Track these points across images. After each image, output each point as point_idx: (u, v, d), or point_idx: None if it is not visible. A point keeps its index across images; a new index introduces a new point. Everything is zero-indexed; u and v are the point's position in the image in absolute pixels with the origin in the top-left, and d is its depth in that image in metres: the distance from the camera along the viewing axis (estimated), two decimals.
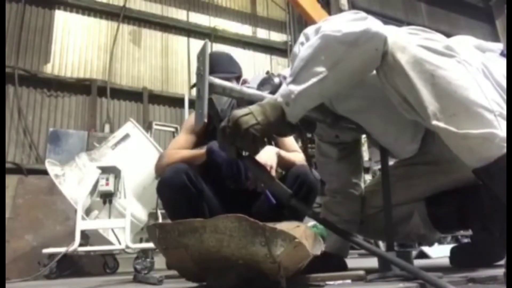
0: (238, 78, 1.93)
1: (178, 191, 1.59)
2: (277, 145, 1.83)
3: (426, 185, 1.48)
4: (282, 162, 1.70)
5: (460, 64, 1.05)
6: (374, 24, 1.10)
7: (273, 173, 1.61)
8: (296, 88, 1.09)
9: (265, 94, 1.43)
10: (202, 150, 1.68)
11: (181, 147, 1.84)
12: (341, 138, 1.58)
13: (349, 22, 1.10)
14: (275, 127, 1.13)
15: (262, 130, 1.09)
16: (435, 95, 1.02)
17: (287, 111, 1.11)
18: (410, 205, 1.50)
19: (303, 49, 1.14)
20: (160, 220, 3.58)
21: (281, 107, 1.11)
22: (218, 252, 0.91)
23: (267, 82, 1.42)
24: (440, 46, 1.07)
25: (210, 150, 1.64)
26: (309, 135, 1.71)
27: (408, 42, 1.09)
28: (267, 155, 1.61)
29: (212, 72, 1.74)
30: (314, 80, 1.07)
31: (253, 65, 6.79)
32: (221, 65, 1.93)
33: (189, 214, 1.24)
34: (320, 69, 1.07)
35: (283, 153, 1.73)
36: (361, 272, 1.16)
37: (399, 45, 1.09)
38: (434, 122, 1.02)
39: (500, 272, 1.00)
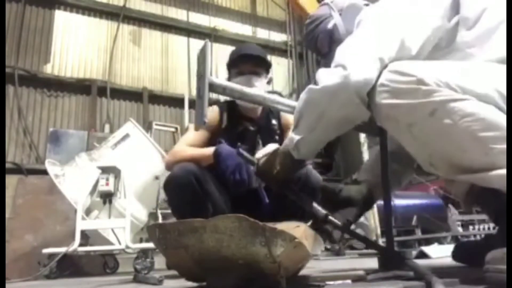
0: (267, 70, 1.96)
1: (183, 189, 1.60)
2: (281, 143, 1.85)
3: None
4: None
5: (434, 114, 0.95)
6: (355, 71, 1.05)
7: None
8: (295, 137, 1.22)
9: (266, 94, 1.43)
10: (210, 151, 1.67)
11: (192, 143, 1.82)
12: None
13: (330, 71, 1.12)
14: (291, 169, 1.32)
15: (282, 176, 1.31)
16: (416, 147, 1.04)
17: (294, 154, 1.25)
18: None
19: (299, 100, 1.24)
20: (160, 220, 3.58)
21: (292, 156, 1.26)
22: (218, 252, 0.91)
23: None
24: (406, 85, 0.99)
25: (217, 153, 1.63)
26: None
27: (379, 97, 1.03)
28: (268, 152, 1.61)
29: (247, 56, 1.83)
30: (306, 131, 1.19)
31: None
32: (255, 49, 1.99)
33: (193, 213, 1.25)
34: (310, 120, 1.18)
35: None
36: (361, 272, 1.16)
37: (372, 99, 1.05)
38: (428, 169, 1.04)
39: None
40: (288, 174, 1.32)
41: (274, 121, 1.97)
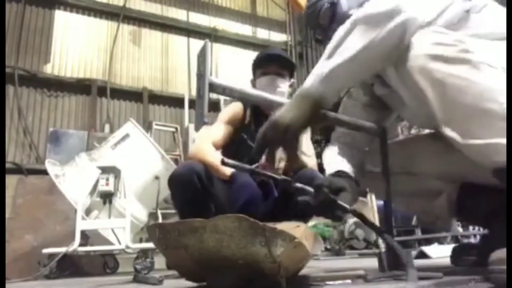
0: (292, 73, 1.98)
1: (185, 187, 1.62)
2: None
3: (467, 168, 1.28)
4: (294, 161, 1.71)
5: (474, 69, 0.98)
6: (408, 4, 1.03)
7: (281, 165, 1.62)
8: (329, 65, 1.06)
9: (266, 94, 1.43)
10: (227, 171, 1.67)
11: (217, 139, 1.84)
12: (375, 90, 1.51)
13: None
14: (310, 120, 1.11)
15: (300, 125, 1.09)
16: (443, 104, 1.00)
17: (315, 90, 1.08)
18: (442, 183, 1.39)
19: (337, 31, 1.11)
20: (160, 220, 3.58)
21: (313, 96, 1.08)
22: (218, 252, 0.91)
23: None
24: (454, 52, 1.01)
25: (233, 179, 1.65)
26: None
27: (420, 47, 1.03)
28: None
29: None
30: (345, 57, 1.05)
31: None
32: (281, 51, 2.05)
33: (193, 212, 1.25)
34: (352, 47, 1.05)
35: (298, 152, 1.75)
36: (361, 272, 1.16)
37: (412, 46, 1.04)
38: (444, 129, 1.01)
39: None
40: (304, 123, 1.09)
41: None
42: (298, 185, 1.24)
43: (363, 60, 1.07)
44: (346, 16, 1.20)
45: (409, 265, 0.97)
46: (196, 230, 0.92)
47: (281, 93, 1.88)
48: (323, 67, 1.07)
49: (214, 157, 1.73)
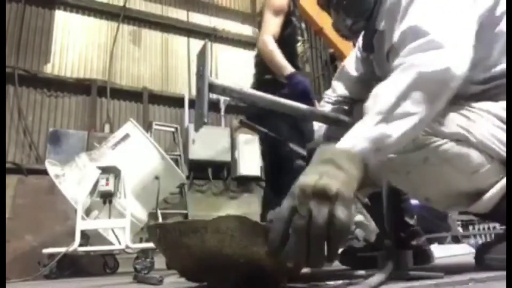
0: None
1: None
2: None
3: None
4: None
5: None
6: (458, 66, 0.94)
7: None
8: (394, 132, 0.88)
9: (267, 95, 1.43)
10: (287, 70, 2.12)
11: (276, 31, 2.28)
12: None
13: (436, 52, 0.95)
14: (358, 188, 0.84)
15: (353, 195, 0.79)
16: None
17: (371, 159, 0.86)
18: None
19: (385, 85, 0.97)
20: (160, 220, 3.58)
21: (361, 158, 0.84)
22: (219, 251, 0.92)
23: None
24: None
25: (289, 76, 2.10)
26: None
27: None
28: None
29: None
30: (409, 125, 0.89)
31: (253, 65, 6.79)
32: None
33: None
34: (413, 115, 0.90)
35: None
36: (361, 272, 1.16)
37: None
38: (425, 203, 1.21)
39: (502, 271, 1.00)
40: (354, 191, 0.81)
41: None
42: (293, 147, 1.34)
43: (423, 127, 0.98)
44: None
45: (382, 270, 0.99)
46: (198, 230, 0.92)
47: None
48: (378, 132, 0.88)
49: (279, 58, 2.16)
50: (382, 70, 1.41)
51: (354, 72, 1.67)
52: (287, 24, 2.35)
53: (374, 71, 1.52)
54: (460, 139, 1.07)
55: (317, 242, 0.72)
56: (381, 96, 0.94)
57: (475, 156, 1.07)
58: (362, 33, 1.52)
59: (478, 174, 1.08)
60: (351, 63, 1.70)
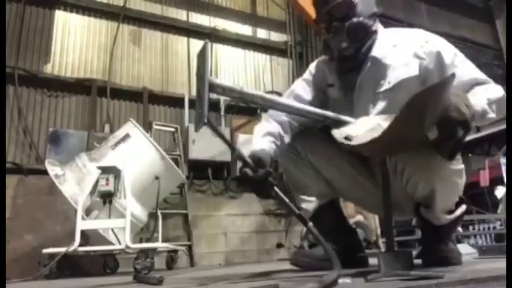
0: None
1: None
2: None
3: None
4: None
5: None
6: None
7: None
8: (491, 114, 1.44)
9: (265, 94, 1.43)
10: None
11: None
12: None
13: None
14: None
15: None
16: None
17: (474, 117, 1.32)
18: None
19: (491, 87, 1.52)
20: (160, 220, 3.58)
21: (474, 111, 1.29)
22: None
23: None
24: None
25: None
26: None
27: None
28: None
29: None
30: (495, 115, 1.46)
31: (253, 65, 6.78)
32: None
33: None
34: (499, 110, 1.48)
35: None
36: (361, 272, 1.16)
37: None
38: None
39: (502, 271, 1.00)
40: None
41: None
42: (241, 153, 1.35)
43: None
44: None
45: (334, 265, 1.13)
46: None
47: None
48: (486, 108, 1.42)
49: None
50: (366, 94, 1.64)
51: (307, 96, 1.79)
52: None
53: (324, 101, 1.77)
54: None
55: None
56: (490, 91, 1.48)
57: None
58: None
59: None
60: (302, 89, 1.83)
